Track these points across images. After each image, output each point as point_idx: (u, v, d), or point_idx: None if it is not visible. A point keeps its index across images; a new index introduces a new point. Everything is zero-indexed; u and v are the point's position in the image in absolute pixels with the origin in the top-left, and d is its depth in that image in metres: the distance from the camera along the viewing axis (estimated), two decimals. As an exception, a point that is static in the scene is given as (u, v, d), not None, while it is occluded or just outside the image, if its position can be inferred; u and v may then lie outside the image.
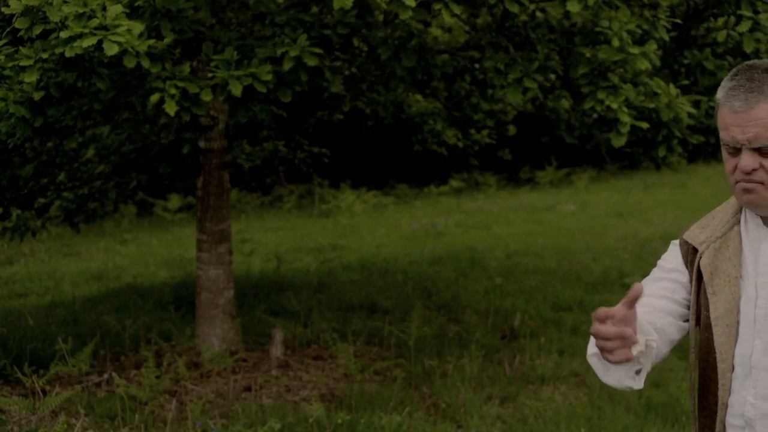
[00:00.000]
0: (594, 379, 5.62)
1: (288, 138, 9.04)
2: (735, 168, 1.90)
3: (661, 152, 4.46)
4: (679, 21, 4.49)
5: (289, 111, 8.78)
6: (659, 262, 2.16)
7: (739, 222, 2.02)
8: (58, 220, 7.90)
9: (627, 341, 1.71)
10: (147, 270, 9.99)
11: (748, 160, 1.86)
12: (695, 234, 2.07)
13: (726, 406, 1.98)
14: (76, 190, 7.64)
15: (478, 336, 6.34)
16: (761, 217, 1.97)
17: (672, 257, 2.13)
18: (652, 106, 4.08)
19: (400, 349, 5.95)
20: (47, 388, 5.40)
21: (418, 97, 8.00)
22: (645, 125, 4.09)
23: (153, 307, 7.62)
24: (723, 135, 1.91)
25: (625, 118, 3.95)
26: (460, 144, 8.10)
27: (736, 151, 1.89)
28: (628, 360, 1.72)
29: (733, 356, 1.96)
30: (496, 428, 4.91)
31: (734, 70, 1.95)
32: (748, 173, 1.87)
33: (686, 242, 2.08)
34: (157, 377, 5.05)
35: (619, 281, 8.24)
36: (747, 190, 1.89)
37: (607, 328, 1.70)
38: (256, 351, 6.38)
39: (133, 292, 8.39)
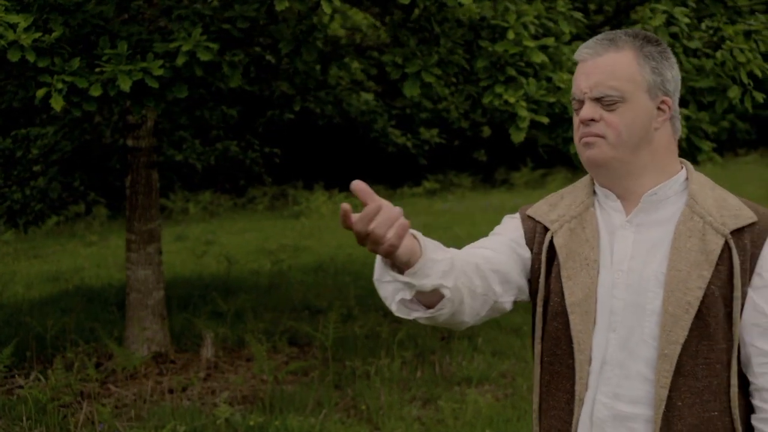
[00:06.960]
0: (522, 381, 5.54)
1: (240, 138, 8.97)
2: (580, 125, 1.80)
3: (573, 149, 4.36)
4: (580, 14, 4.39)
5: (240, 111, 8.71)
6: (495, 230, 1.96)
7: (593, 204, 1.86)
8: (2, 221, 7.81)
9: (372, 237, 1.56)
10: (103, 271, 9.91)
11: (588, 109, 1.77)
12: (543, 211, 1.90)
13: (582, 402, 1.80)
14: (23, 190, 7.55)
15: (414, 337, 6.24)
16: (617, 196, 1.83)
17: (511, 230, 1.93)
18: (552, 100, 3.99)
19: (330, 350, 5.86)
20: (-35, 390, 5.32)
21: (369, 96, 7.92)
22: (545, 120, 3.99)
23: (97, 308, 7.53)
24: (572, 92, 1.83)
25: (523, 113, 3.84)
26: (409, 143, 8.01)
27: (581, 105, 1.79)
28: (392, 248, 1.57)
29: (591, 347, 1.78)
30: (413, 430, 4.81)
31: None
32: (587, 124, 1.77)
33: (531, 219, 1.91)
34: (66, 379, 4.96)
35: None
36: (588, 144, 1.78)
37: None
38: (188, 352, 6.29)
39: (80, 293, 8.30)
